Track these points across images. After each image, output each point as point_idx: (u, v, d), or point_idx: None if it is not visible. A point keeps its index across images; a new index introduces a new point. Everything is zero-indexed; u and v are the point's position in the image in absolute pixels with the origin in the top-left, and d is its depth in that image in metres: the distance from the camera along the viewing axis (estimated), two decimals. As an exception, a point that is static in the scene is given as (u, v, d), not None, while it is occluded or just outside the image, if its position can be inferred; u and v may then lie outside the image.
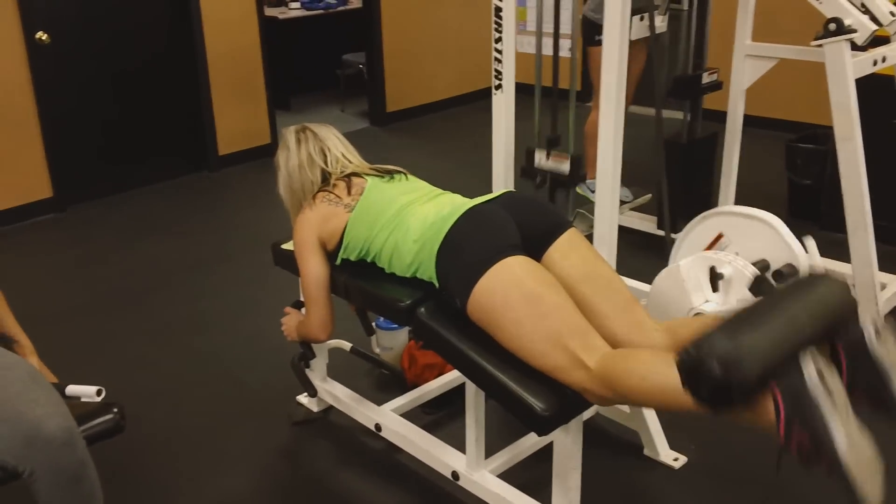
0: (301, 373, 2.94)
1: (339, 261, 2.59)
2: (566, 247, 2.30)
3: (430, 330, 2.30)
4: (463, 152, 6.43)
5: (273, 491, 2.82)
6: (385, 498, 2.77)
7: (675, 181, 4.09)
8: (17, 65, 5.08)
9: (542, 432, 2.11)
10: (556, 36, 3.26)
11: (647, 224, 4.65)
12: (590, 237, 2.60)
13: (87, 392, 2.22)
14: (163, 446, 3.05)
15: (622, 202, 4.69)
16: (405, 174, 2.71)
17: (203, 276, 4.45)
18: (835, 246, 4.05)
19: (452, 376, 3.15)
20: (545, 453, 2.55)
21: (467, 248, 2.22)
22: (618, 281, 2.29)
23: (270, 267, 3.09)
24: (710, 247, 2.90)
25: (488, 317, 2.14)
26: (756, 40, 3.99)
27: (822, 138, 4.71)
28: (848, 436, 1.57)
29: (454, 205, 2.38)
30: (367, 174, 2.66)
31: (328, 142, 2.78)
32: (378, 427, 2.88)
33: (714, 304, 2.48)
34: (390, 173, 2.68)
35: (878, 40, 3.46)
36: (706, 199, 4.40)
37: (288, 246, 2.87)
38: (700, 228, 2.97)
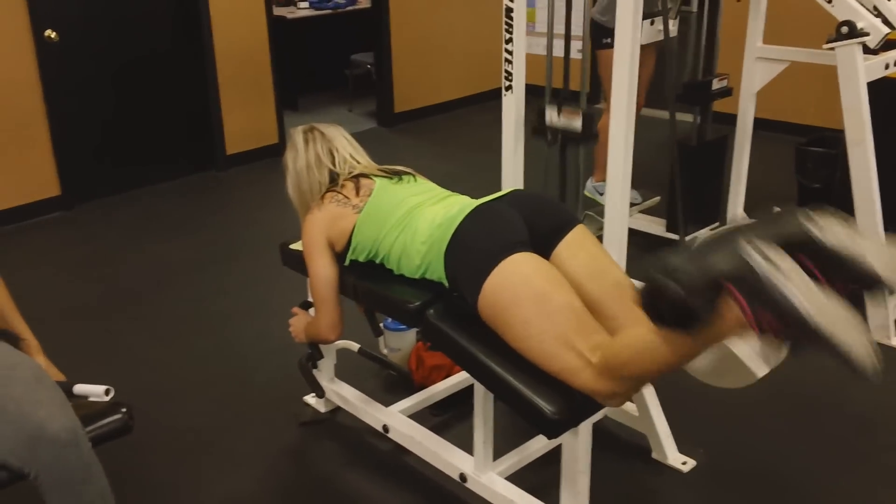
0: (308, 373, 2.93)
1: (347, 262, 2.59)
2: (575, 244, 2.29)
3: (440, 332, 2.28)
4: (471, 153, 6.43)
5: (279, 492, 2.81)
6: (392, 499, 2.76)
7: (685, 184, 4.07)
8: (26, 62, 5.08)
9: (551, 435, 2.10)
10: (568, 37, 3.25)
11: (655, 227, 4.63)
12: (599, 239, 2.58)
13: (95, 391, 2.21)
14: (169, 446, 3.04)
15: (631, 204, 4.68)
16: (414, 175, 2.70)
17: (209, 276, 4.45)
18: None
19: (460, 378, 3.14)
20: (553, 456, 2.54)
21: (475, 246, 2.21)
22: (625, 280, 2.27)
23: (277, 267, 3.09)
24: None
25: (498, 315, 2.12)
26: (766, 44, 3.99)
27: (831, 142, 4.68)
28: (812, 301, 1.56)
29: (462, 205, 2.36)
30: (376, 175, 2.65)
31: (336, 142, 2.77)
32: (385, 428, 2.87)
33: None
34: (399, 174, 2.67)
35: (889, 44, 3.45)
36: (716, 203, 4.39)
37: (296, 246, 2.86)
38: None
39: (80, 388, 2.21)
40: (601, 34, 4.31)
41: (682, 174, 4.01)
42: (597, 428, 2.26)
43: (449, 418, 3.12)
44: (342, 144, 2.78)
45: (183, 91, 5.94)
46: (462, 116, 7.60)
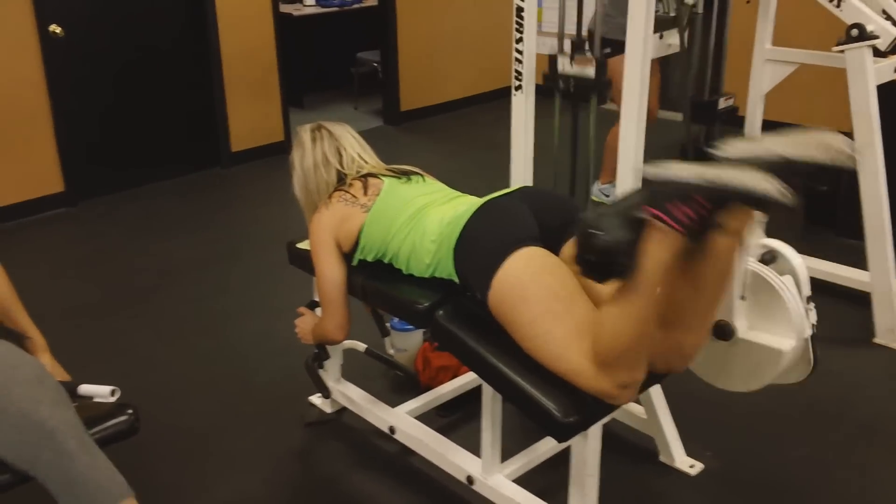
0: (315, 374, 2.92)
1: (355, 262, 2.57)
2: None
3: (449, 333, 2.27)
4: (478, 153, 6.41)
5: (284, 492, 2.80)
6: (398, 501, 2.74)
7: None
8: (31, 58, 5.07)
9: (562, 439, 2.09)
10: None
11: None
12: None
13: (100, 392, 2.19)
14: (173, 446, 3.03)
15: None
16: (422, 175, 2.68)
17: (213, 274, 4.43)
18: (850, 252, 4.02)
19: (467, 379, 3.12)
20: (561, 458, 2.53)
21: (484, 241, 2.20)
22: None
23: (282, 265, 3.08)
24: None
25: (507, 312, 2.11)
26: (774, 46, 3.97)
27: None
28: (705, 173, 1.73)
29: (471, 203, 2.35)
30: (384, 175, 2.64)
31: (344, 141, 2.76)
32: (392, 429, 2.85)
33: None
34: (407, 174, 2.65)
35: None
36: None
37: (303, 245, 2.84)
38: None
39: (85, 389, 2.20)
40: (601, 45, 4.27)
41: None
42: (604, 430, 2.24)
43: (456, 419, 3.11)
44: (350, 143, 2.76)
45: (188, 88, 5.93)
46: (468, 115, 7.58)
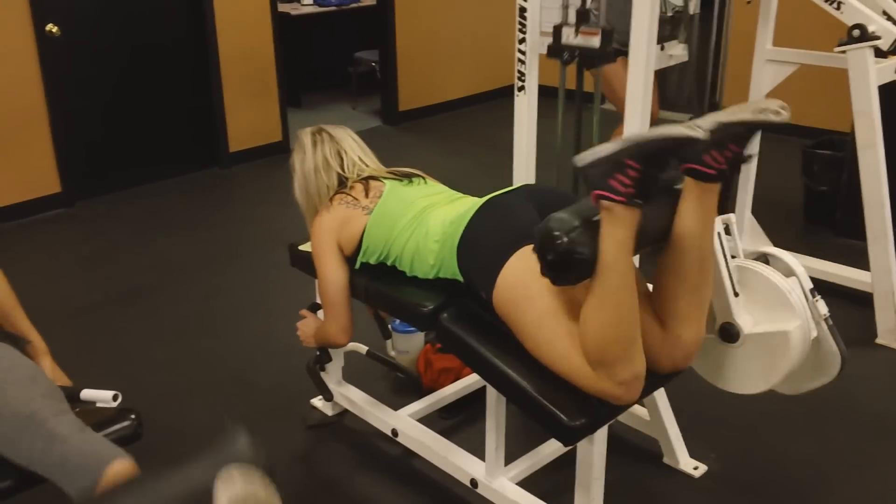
0: (317, 376, 2.91)
1: (358, 265, 2.56)
2: None
3: (454, 335, 2.26)
4: (477, 153, 6.40)
5: (286, 495, 2.74)
6: (401, 504, 2.74)
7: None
8: (27, 57, 5.04)
9: (568, 442, 2.08)
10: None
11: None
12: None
13: (102, 397, 2.17)
14: (172, 448, 3.00)
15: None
16: (424, 177, 2.67)
17: (213, 275, 4.42)
18: (850, 252, 4.02)
19: (470, 381, 3.11)
20: (566, 460, 2.52)
21: (487, 239, 2.19)
22: (636, 272, 2.25)
23: (282, 265, 3.06)
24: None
25: (511, 312, 2.10)
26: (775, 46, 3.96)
27: (838, 144, 4.67)
28: (631, 136, 1.84)
29: (473, 203, 2.35)
30: (385, 177, 2.62)
31: (345, 144, 2.74)
32: (394, 432, 2.84)
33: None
34: (409, 176, 2.64)
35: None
36: (723, 205, 4.35)
37: (305, 247, 2.83)
38: None
39: (87, 394, 2.18)
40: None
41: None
42: (608, 432, 2.24)
43: (458, 422, 3.09)
44: (351, 147, 2.75)
45: (186, 87, 5.91)
46: (467, 115, 7.57)
